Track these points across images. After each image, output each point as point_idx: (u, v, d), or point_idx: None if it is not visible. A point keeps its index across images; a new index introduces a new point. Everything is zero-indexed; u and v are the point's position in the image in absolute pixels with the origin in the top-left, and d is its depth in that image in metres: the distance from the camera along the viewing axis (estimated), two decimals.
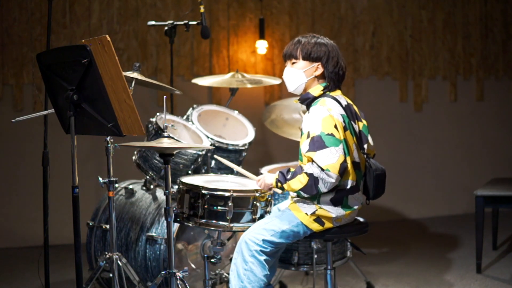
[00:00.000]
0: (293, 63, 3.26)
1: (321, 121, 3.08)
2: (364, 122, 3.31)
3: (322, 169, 3.03)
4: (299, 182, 3.07)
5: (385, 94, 6.36)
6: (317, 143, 3.05)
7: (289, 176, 3.12)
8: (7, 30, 5.38)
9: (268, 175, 3.22)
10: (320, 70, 3.23)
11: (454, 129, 6.59)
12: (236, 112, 4.35)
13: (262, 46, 5.84)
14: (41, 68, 3.00)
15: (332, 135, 3.06)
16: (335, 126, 3.09)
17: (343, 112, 3.16)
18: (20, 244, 5.41)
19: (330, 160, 3.03)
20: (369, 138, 3.38)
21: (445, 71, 6.51)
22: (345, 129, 3.14)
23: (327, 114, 3.10)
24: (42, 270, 3.78)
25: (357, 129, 3.23)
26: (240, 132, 4.27)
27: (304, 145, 3.11)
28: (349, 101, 3.29)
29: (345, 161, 3.07)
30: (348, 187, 3.18)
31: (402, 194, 6.36)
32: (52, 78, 2.97)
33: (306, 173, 3.05)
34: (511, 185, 4.68)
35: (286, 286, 4.33)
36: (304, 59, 3.23)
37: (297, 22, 6.06)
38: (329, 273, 3.34)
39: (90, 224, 3.98)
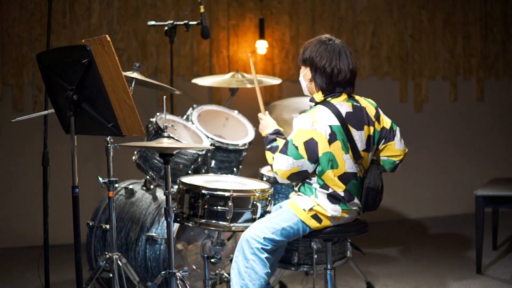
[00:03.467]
0: (300, 67, 3.33)
1: (297, 130, 3.16)
2: (378, 125, 3.26)
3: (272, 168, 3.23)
4: (269, 158, 3.27)
5: (385, 94, 6.36)
6: (284, 147, 3.18)
7: (268, 145, 3.29)
8: (7, 30, 5.38)
9: (268, 124, 3.39)
10: (308, 74, 3.24)
11: (454, 129, 6.59)
12: (236, 112, 4.35)
13: (262, 46, 5.84)
14: (41, 68, 3.00)
15: (296, 148, 3.13)
16: (306, 142, 3.11)
17: (335, 123, 3.13)
18: (20, 244, 5.41)
19: (282, 166, 3.17)
20: (397, 137, 3.32)
21: (445, 71, 6.51)
22: (330, 141, 3.12)
23: (308, 127, 3.13)
24: (42, 270, 3.78)
25: (358, 137, 3.19)
26: (240, 132, 4.27)
27: None
28: (363, 104, 3.24)
29: (300, 173, 3.16)
30: (341, 196, 3.19)
31: (402, 194, 6.36)
32: (52, 78, 2.97)
33: (274, 157, 3.22)
34: (511, 185, 4.68)
35: (286, 286, 4.33)
36: (302, 64, 3.29)
37: (297, 22, 6.06)
38: (329, 273, 3.34)
39: (90, 224, 3.98)
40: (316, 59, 3.18)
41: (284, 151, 3.17)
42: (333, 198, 3.18)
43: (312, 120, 3.13)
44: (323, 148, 3.12)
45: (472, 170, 6.58)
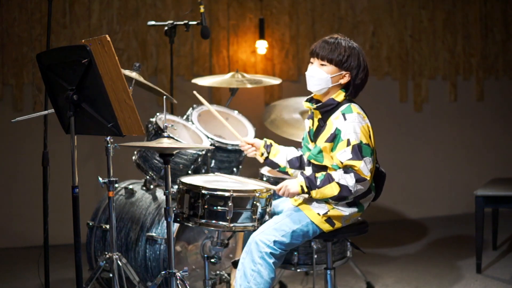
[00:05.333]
0: (322, 64, 3.20)
1: (360, 130, 3.10)
2: None
3: (359, 180, 3.05)
4: (331, 191, 3.07)
5: (385, 94, 6.36)
6: (359, 152, 3.06)
7: (319, 183, 3.09)
8: (7, 30, 5.38)
9: (291, 183, 3.15)
10: (346, 79, 3.21)
11: (454, 129, 6.59)
12: (236, 112, 4.35)
13: (262, 46, 5.84)
14: (41, 68, 3.00)
15: (368, 145, 3.10)
16: (370, 136, 3.13)
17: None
18: (20, 244, 5.41)
19: (370, 171, 3.08)
20: None
21: (445, 71, 6.51)
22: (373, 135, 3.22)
23: (365, 123, 3.13)
24: (42, 270, 3.78)
25: None
26: (240, 132, 4.27)
27: (345, 153, 3.08)
28: None
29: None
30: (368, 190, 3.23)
31: (402, 194, 6.36)
32: (52, 78, 2.97)
33: (338, 183, 3.06)
34: (511, 185, 4.68)
35: (286, 286, 4.33)
36: (336, 65, 3.18)
37: (297, 22, 6.06)
38: (329, 273, 3.34)
39: (90, 224, 3.98)
40: (364, 71, 3.23)
41: (361, 157, 3.06)
42: (351, 203, 3.21)
43: (362, 115, 3.16)
44: (373, 143, 3.17)
45: (472, 170, 6.58)
